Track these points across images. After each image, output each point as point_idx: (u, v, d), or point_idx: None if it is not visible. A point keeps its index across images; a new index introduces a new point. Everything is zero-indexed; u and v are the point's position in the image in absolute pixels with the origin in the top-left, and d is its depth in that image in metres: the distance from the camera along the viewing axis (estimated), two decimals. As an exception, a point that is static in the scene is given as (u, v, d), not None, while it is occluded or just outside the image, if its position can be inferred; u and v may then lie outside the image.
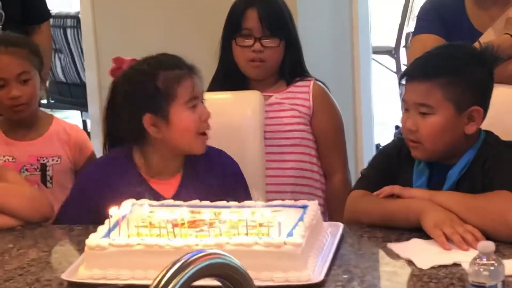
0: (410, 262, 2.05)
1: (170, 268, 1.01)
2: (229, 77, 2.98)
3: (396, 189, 2.30)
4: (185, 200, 2.31)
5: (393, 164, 2.41)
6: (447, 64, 2.31)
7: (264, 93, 2.94)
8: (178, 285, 1.01)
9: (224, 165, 2.53)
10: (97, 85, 4.54)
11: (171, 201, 2.26)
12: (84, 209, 2.46)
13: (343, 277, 1.99)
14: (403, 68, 6.17)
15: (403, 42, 6.82)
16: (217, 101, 2.84)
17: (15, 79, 2.78)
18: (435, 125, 2.28)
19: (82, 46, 4.99)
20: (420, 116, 2.29)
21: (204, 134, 2.46)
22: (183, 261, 1.03)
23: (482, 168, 2.28)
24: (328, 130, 2.98)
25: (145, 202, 2.25)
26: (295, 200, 2.29)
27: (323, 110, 2.96)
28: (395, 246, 2.16)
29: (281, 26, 2.94)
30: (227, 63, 2.98)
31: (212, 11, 3.92)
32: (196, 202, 2.25)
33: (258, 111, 2.85)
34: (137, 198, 2.29)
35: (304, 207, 2.19)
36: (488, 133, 2.37)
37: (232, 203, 2.24)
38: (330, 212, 2.95)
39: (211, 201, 2.28)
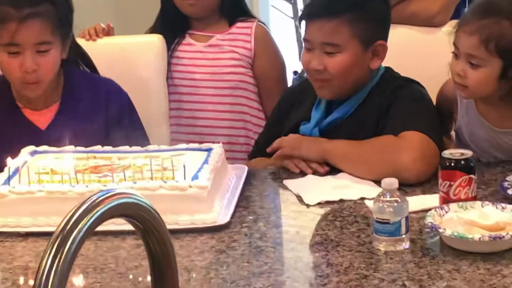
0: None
1: (78, 208, 0.98)
2: (170, 18, 2.92)
3: (286, 150, 2.31)
4: (60, 130, 2.27)
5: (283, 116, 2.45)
6: (351, 0, 2.27)
7: (205, 33, 2.91)
8: (87, 225, 0.97)
9: (107, 91, 2.44)
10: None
11: (72, 147, 2.21)
12: None
13: (249, 218, 1.99)
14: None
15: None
16: (119, 46, 2.80)
17: None
18: (343, 63, 2.25)
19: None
20: (327, 55, 2.26)
21: (28, 83, 2.32)
22: (91, 201, 0.99)
23: (379, 99, 2.29)
24: (269, 73, 2.93)
25: (44, 149, 2.20)
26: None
27: (265, 53, 2.91)
28: (289, 183, 2.18)
29: None
30: (166, 4, 2.92)
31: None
32: (98, 147, 2.21)
33: (160, 55, 2.80)
34: (12, 128, 2.24)
35: (209, 150, 2.17)
36: (387, 69, 2.38)
37: (135, 148, 2.21)
38: None
39: (91, 131, 2.26)
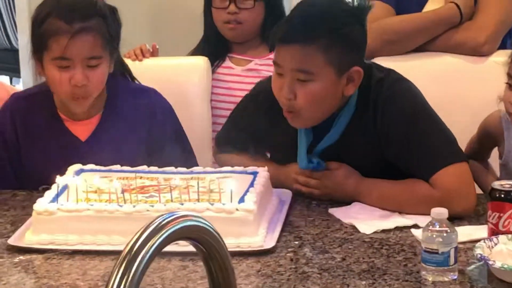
0: (356, 228, 2.06)
1: (145, 230, 0.98)
2: (212, 41, 2.96)
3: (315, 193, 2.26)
4: (101, 141, 2.29)
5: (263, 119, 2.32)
6: (327, 25, 2.10)
7: (244, 56, 2.94)
8: (153, 247, 0.97)
9: (151, 102, 2.43)
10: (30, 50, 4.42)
11: (118, 167, 2.22)
12: (4, 154, 2.40)
13: (294, 243, 1.98)
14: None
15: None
16: (164, 67, 2.82)
17: None
18: (315, 92, 2.11)
19: (15, 9, 4.86)
20: (298, 83, 2.11)
21: (77, 98, 2.31)
22: (157, 223, 1.00)
23: (366, 110, 2.19)
24: None
25: (91, 167, 2.21)
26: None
27: None
28: (336, 211, 2.17)
29: None
30: (209, 27, 2.96)
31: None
32: (144, 167, 2.22)
33: (205, 77, 2.82)
34: (52, 138, 2.27)
35: (254, 173, 2.17)
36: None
37: (181, 169, 2.21)
38: None
39: (133, 142, 2.28)
